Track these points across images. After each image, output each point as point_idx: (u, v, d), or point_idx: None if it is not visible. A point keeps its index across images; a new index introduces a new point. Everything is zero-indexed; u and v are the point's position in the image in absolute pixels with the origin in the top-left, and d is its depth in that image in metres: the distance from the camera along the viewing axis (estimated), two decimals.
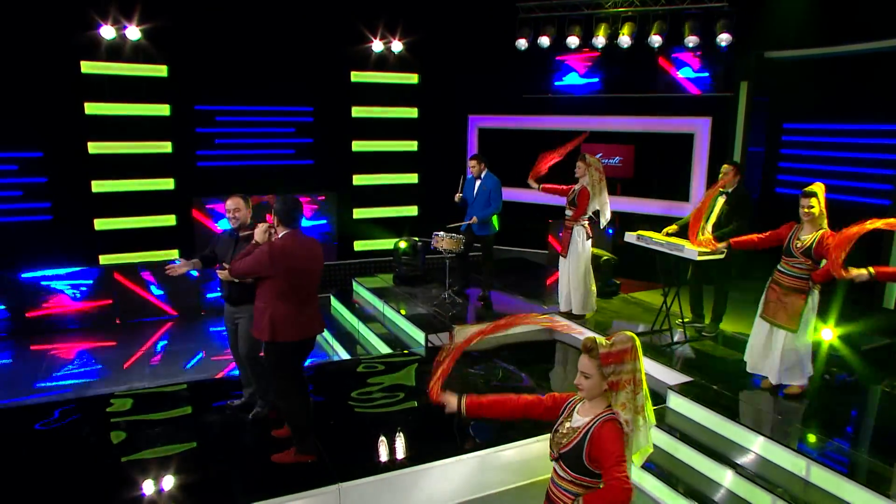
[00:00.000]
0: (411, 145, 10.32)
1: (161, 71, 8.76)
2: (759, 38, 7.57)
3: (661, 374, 5.60)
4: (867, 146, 7.31)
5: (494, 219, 7.33)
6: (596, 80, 9.48)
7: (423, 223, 10.34)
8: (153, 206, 8.97)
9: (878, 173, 7.25)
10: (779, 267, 4.80)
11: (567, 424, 2.64)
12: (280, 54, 9.24)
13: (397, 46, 9.63)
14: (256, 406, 4.87)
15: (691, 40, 7.91)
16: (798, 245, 4.61)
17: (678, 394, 5.08)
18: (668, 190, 8.86)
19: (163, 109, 8.87)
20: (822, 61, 7.37)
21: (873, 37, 6.76)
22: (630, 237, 6.35)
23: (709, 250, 5.58)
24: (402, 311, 7.21)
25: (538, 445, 4.56)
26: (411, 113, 10.24)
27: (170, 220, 9.12)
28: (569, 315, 6.84)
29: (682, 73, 8.57)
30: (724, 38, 7.69)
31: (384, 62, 9.79)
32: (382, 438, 4.65)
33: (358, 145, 9.99)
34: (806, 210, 4.58)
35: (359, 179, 10.03)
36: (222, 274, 4.54)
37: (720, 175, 6.20)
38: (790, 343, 4.67)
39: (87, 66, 8.33)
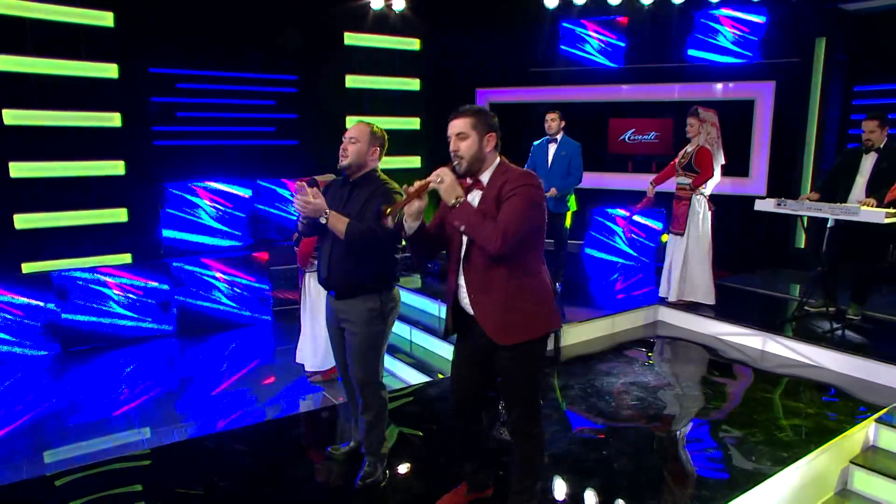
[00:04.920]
0: (413, 123, 8.75)
1: (105, 19, 6.68)
2: None
3: (859, 370, 4.47)
4: None
5: (571, 197, 5.98)
6: (623, 45, 8.41)
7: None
8: (96, 196, 6.80)
9: None
10: None
11: None
12: (258, 8, 7.43)
13: (399, 3, 8.08)
14: (364, 464, 3.16)
15: None
16: None
17: None
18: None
19: (108, 70, 6.76)
20: None
21: None
22: (765, 204, 5.22)
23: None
24: None
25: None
26: (413, 85, 8.68)
27: (119, 214, 6.97)
28: (687, 305, 5.61)
29: (738, 32, 7.65)
30: None
31: (384, 22, 8.19)
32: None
33: (353, 122, 8.26)
34: None
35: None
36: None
37: (863, 134, 5.16)
38: None
39: None
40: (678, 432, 3.73)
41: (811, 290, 5.42)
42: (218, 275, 6.79)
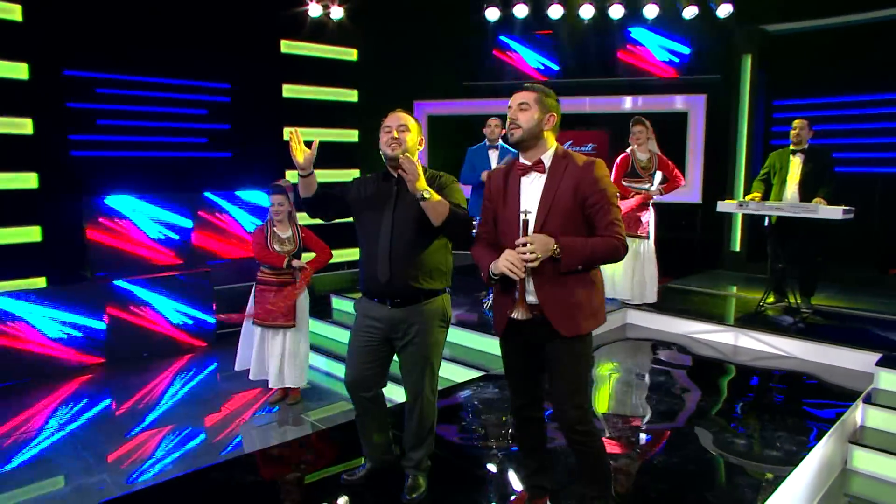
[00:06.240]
0: (351, 135, 8.46)
1: (11, 12, 5.96)
2: (758, 10, 7.30)
3: (828, 356, 4.72)
4: (862, 117, 7.34)
5: None
6: (557, 59, 8.64)
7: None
8: (5, 213, 5.98)
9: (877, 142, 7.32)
10: None
11: None
12: (189, 9, 6.91)
13: (338, 12, 7.83)
14: (408, 478, 2.87)
15: (690, 11, 7.43)
16: None
17: (889, 368, 4.22)
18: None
19: (17, 70, 6.01)
20: (815, 34, 7.29)
21: (871, 6, 6.75)
22: (727, 206, 5.46)
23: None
24: None
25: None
26: (350, 96, 8.41)
27: (31, 233, 6.15)
28: (644, 307, 5.72)
29: (668, 49, 8.09)
30: (724, 9, 7.32)
31: (321, 31, 7.89)
32: None
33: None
34: None
35: (293, 175, 7.86)
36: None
37: (792, 132, 5.53)
38: None
39: None
40: (696, 429, 3.71)
41: (767, 288, 5.70)
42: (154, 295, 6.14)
